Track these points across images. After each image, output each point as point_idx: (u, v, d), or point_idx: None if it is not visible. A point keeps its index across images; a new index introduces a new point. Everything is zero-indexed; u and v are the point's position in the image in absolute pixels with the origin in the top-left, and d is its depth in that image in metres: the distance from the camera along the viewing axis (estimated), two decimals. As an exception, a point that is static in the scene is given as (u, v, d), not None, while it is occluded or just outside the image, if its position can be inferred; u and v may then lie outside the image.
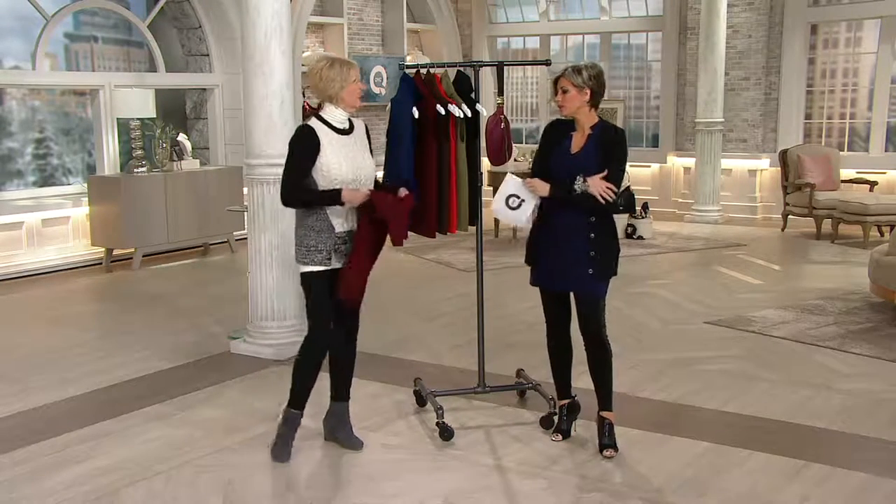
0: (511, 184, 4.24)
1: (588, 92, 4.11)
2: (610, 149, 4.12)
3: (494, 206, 4.30)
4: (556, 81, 4.21)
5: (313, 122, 4.03)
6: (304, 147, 3.97)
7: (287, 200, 4.04)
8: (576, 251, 4.12)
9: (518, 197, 4.21)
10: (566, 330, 4.36)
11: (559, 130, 4.27)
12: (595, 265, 4.13)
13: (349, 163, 4.01)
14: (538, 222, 4.27)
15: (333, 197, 3.96)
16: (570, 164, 4.12)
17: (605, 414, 4.26)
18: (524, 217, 4.24)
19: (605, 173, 4.05)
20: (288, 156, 4.02)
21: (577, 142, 4.19)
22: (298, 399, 4.20)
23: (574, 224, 4.13)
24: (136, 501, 3.78)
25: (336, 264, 4.05)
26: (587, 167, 4.07)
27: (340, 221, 4.04)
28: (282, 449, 4.16)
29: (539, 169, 4.27)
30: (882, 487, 3.84)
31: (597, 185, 4.02)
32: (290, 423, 4.20)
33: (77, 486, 3.90)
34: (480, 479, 3.94)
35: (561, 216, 4.15)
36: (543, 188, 4.13)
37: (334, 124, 4.05)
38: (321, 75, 3.99)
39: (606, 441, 4.22)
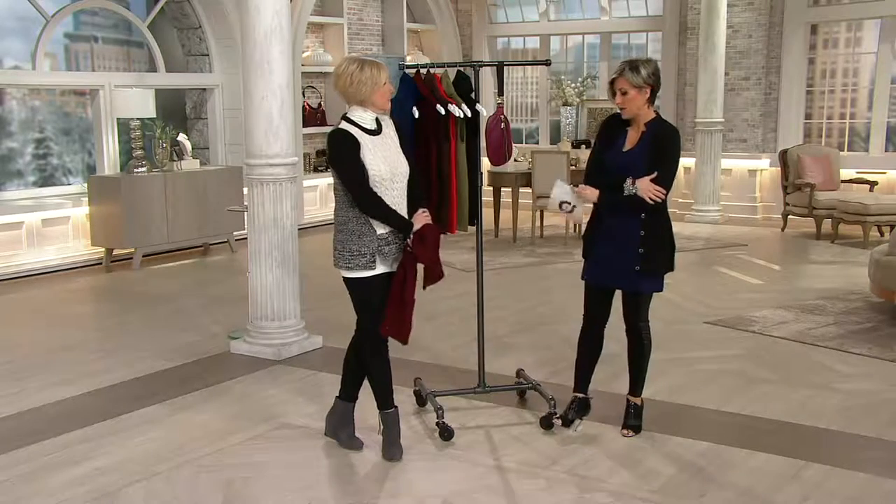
0: (560, 191, 4.29)
1: (648, 90, 4.10)
2: (662, 150, 4.12)
3: (550, 206, 4.42)
4: (612, 83, 4.15)
5: (345, 125, 3.99)
6: (349, 149, 3.92)
7: (366, 209, 3.95)
8: (625, 248, 4.17)
9: (569, 203, 4.28)
10: (602, 327, 4.43)
11: (615, 126, 4.27)
12: (643, 262, 4.18)
13: (385, 161, 3.98)
14: (593, 219, 4.33)
15: (403, 224, 3.97)
16: (622, 161, 4.14)
17: (632, 398, 4.47)
18: (579, 215, 4.35)
19: (654, 175, 4.05)
20: (340, 165, 3.95)
21: (632, 138, 4.19)
22: (385, 397, 4.17)
23: (625, 221, 4.16)
24: (136, 501, 3.78)
25: (381, 268, 4.02)
26: (637, 165, 4.09)
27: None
28: (395, 449, 4.14)
29: (593, 165, 4.29)
30: (882, 487, 3.84)
31: (645, 189, 4.04)
32: (391, 423, 4.18)
33: (77, 486, 3.90)
34: (480, 479, 3.94)
35: (613, 214, 4.18)
36: (593, 194, 4.16)
37: (364, 126, 4.00)
38: (352, 79, 3.92)
39: (631, 422, 4.43)
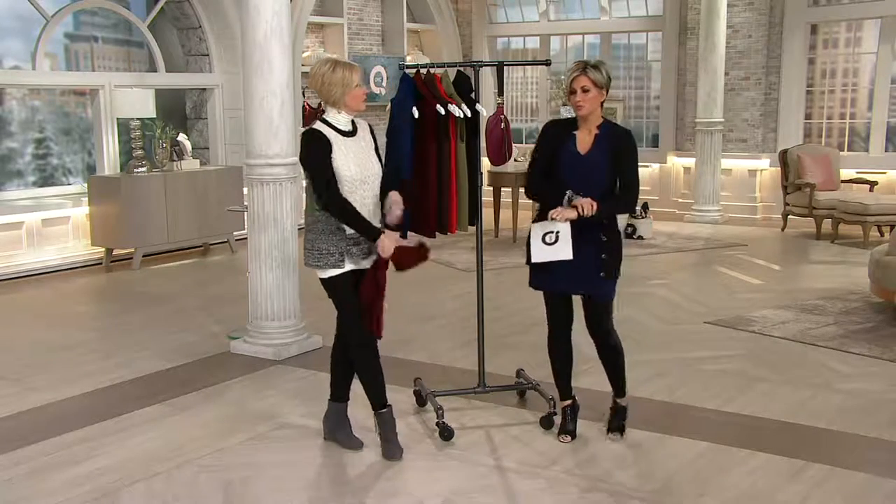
0: (537, 228, 4.13)
1: (605, 91, 4.10)
2: (626, 153, 4.10)
3: (534, 257, 4.12)
4: (572, 80, 4.08)
5: (318, 126, 4.02)
6: (318, 149, 3.94)
7: (333, 211, 3.96)
8: (588, 254, 4.13)
9: (552, 231, 4.09)
10: (567, 333, 4.39)
11: (560, 130, 4.23)
12: (606, 267, 4.16)
13: (357, 164, 4.00)
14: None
15: (370, 232, 3.96)
16: (581, 164, 4.10)
17: (618, 400, 4.43)
18: (567, 246, 4.07)
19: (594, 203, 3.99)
20: (309, 163, 3.97)
21: (584, 142, 4.14)
22: (378, 396, 4.17)
23: (587, 228, 4.11)
24: (136, 501, 3.78)
25: (349, 265, 4.04)
26: (600, 167, 4.07)
27: None
28: (394, 448, 4.14)
29: (541, 171, 4.22)
30: (882, 487, 3.84)
31: (583, 201, 3.98)
32: (387, 423, 4.18)
33: (77, 486, 3.90)
34: (480, 479, 3.94)
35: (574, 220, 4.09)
36: (571, 213, 4.02)
37: (339, 127, 4.03)
38: (323, 80, 3.96)
39: (616, 425, 4.39)
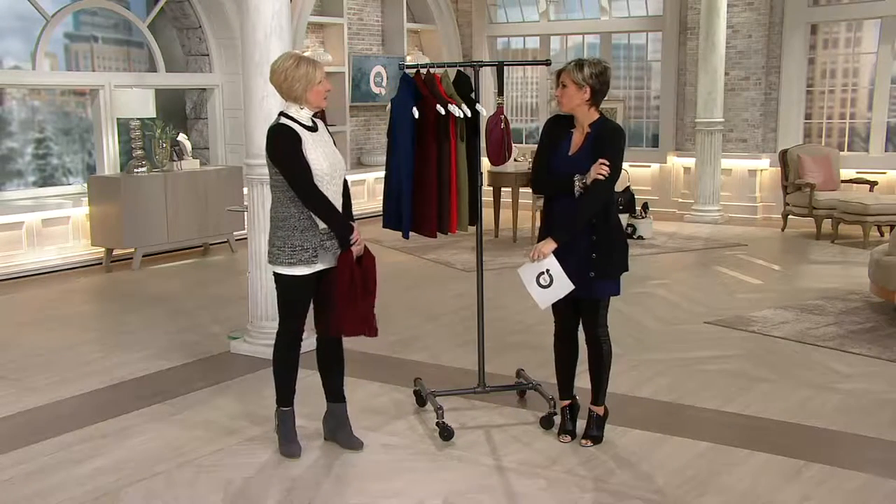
0: (526, 273, 4.12)
1: (588, 90, 4.08)
2: (604, 142, 4.05)
3: (542, 305, 4.13)
4: (558, 75, 4.18)
5: (284, 121, 4.01)
6: (289, 143, 3.94)
7: (311, 205, 3.96)
8: (578, 254, 4.11)
9: (543, 272, 4.06)
10: (574, 332, 4.38)
11: (560, 128, 4.23)
12: (596, 267, 4.12)
13: (326, 158, 4.01)
14: (543, 228, 4.26)
15: (343, 229, 3.97)
16: (568, 166, 4.10)
17: (594, 407, 4.36)
18: (563, 280, 4.05)
19: (600, 162, 4.00)
20: (283, 160, 3.94)
21: (576, 141, 4.15)
22: (284, 396, 4.24)
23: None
24: (136, 501, 3.78)
25: (321, 264, 4.04)
26: (584, 168, 4.05)
27: None
28: (290, 446, 4.20)
29: (541, 169, 4.24)
30: (882, 487, 3.84)
31: (593, 173, 4.00)
32: (285, 421, 4.23)
33: (77, 486, 3.90)
34: (480, 479, 3.94)
35: (563, 220, 4.11)
36: (549, 246, 4.05)
37: (302, 122, 4.03)
38: (286, 75, 3.95)
39: (592, 433, 4.33)
